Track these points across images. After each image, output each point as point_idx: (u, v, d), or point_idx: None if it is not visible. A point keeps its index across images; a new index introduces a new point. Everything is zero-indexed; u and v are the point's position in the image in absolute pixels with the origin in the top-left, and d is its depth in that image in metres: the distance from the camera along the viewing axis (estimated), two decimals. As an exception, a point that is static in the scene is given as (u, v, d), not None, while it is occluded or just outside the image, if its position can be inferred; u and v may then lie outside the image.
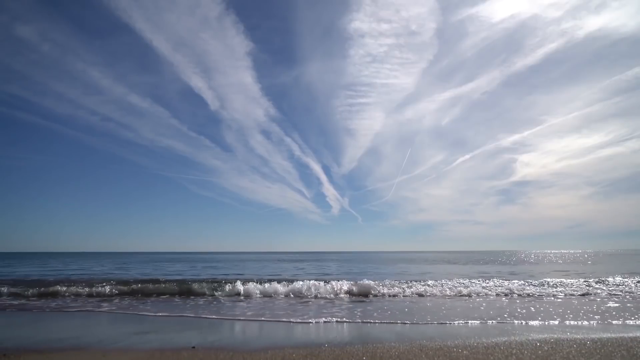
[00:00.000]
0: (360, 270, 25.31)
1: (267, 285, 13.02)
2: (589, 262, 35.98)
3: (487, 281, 14.78)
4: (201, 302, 10.96)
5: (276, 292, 12.51)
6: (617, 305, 9.83)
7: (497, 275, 18.94)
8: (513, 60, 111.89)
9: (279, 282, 13.47)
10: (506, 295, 12.05)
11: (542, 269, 26.54)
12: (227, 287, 13.01)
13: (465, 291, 12.35)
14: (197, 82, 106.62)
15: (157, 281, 14.85)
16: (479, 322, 7.66)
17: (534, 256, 63.44)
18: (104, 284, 13.98)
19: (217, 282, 14.38)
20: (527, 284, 14.03)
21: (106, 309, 9.87)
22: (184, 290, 12.98)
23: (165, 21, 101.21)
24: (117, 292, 12.98)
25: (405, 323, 7.65)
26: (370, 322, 7.79)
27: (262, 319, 8.30)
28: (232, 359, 5.09)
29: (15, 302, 11.18)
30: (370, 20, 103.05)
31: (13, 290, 13.12)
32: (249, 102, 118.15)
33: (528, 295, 11.98)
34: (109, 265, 33.42)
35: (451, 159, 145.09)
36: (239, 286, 12.92)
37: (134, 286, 13.40)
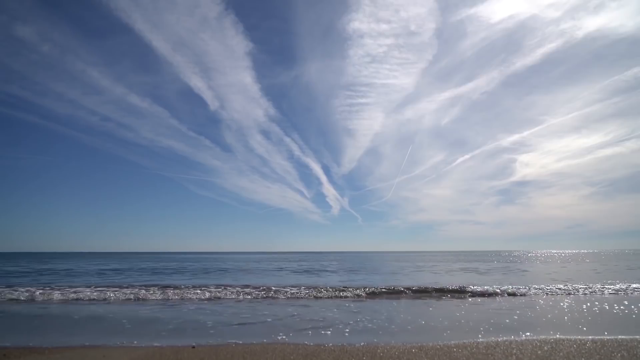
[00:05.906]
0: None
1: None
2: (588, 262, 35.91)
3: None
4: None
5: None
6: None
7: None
8: (512, 60, 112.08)
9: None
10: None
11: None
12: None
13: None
14: (197, 82, 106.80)
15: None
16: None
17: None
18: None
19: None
20: None
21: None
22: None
23: (165, 21, 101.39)
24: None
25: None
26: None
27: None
28: (232, 358, 5.08)
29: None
30: (369, 20, 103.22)
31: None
32: (249, 102, 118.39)
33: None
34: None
35: (451, 159, 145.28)
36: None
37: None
